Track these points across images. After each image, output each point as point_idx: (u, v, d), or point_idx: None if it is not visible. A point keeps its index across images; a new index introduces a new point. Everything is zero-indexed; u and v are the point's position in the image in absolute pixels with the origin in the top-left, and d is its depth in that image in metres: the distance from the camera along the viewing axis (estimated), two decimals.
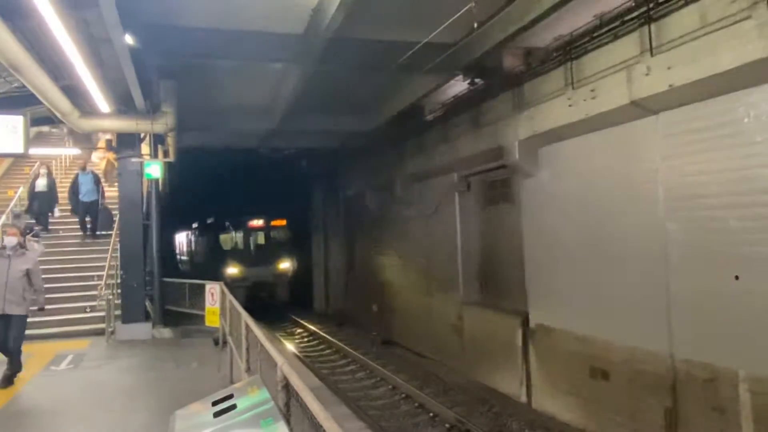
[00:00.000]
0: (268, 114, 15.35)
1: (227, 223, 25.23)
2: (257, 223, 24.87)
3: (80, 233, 15.51)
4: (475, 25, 8.93)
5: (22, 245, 8.19)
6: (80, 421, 6.54)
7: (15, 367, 8.15)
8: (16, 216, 9.73)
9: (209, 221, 26.54)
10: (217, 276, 16.60)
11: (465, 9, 8.33)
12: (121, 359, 9.90)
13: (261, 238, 25.25)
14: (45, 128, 17.01)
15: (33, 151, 14.29)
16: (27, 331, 11.52)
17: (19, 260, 7.87)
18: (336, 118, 16.63)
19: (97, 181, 15.09)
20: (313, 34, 9.69)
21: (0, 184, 19.09)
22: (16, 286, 7.72)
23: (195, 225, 29.36)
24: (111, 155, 16.63)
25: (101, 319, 12.06)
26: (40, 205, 15.07)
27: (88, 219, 15.15)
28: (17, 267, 7.80)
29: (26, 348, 10.58)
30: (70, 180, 15.69)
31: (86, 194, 14.69)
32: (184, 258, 33.45)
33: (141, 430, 6.14)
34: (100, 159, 19.68)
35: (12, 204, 15.29)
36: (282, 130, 16.58)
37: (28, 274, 7.92)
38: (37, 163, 16.56)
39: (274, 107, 14.62)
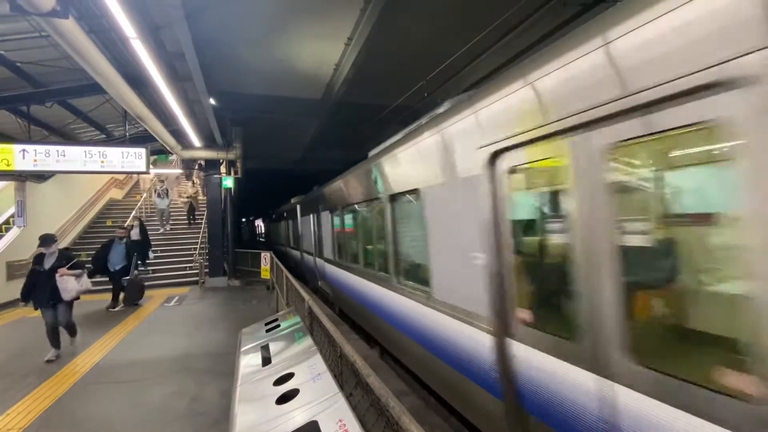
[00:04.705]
0: (298, 148, 15.03)
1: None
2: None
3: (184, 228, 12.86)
4: (426, 94, 8.92)
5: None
6: (184, 336, 6.41)
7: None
8: (45, 240, 5.67)
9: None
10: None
11: (419, 85, 8.33)
12: (208, 299, 9.72)
13: None
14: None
15: (152, 170, 12.89)
16: (155, 281, 11.31)
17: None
18: (339, 151, 16.29)
19: (128, 252, 8.91)
20: (326, 99, 9.59)
21: (128, 196, 18.38)
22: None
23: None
24: (195, 198, 15.15)
25: (196, 274, 11.82)
26: (137, 251, 9.18)
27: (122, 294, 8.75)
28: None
29: (150, 292, 10.40)
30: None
31: (115, 264, 8.70)
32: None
33: (222, 340, 6.03)
34: (192, 193, 15.59)
35: (131, 217, 13.86)
36: (306, 158, 16.36)
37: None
38: (131, 217, 13.25)
39: (301, 144, 14.32)
